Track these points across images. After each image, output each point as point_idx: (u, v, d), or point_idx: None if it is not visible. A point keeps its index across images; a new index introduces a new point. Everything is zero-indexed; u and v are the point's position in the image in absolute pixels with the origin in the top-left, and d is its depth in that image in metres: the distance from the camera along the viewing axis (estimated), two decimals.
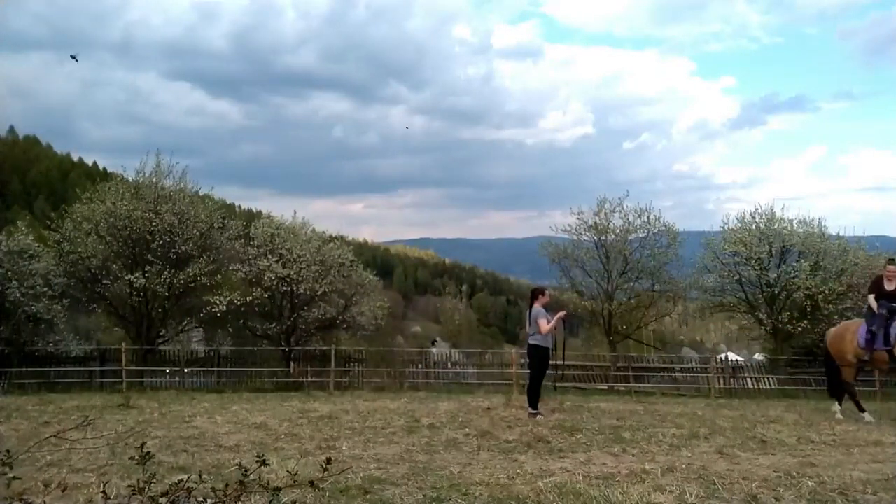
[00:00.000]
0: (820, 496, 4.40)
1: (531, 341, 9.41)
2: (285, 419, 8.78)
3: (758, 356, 24.09)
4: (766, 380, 17.54)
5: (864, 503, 4.32)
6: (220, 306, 16.86)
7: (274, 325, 18.20)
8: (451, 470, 5.28)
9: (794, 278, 17.56)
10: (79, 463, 5.49)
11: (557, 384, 9.52)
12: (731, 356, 21.82)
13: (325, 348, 17.18)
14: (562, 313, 9.71)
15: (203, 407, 10.44)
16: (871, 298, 9.23)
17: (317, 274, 17.79)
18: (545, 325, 9.20)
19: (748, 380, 17.55)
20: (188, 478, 2.79)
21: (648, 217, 20.22)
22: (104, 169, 65.85)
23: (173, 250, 17.50)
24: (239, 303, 17.06)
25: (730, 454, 6.30)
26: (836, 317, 17.44)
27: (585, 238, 20.70)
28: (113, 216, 17.32)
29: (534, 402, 9.18)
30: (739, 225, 19.26)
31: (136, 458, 2.72)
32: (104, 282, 17.37)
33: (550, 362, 9.70)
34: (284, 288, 17.80)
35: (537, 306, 9.44)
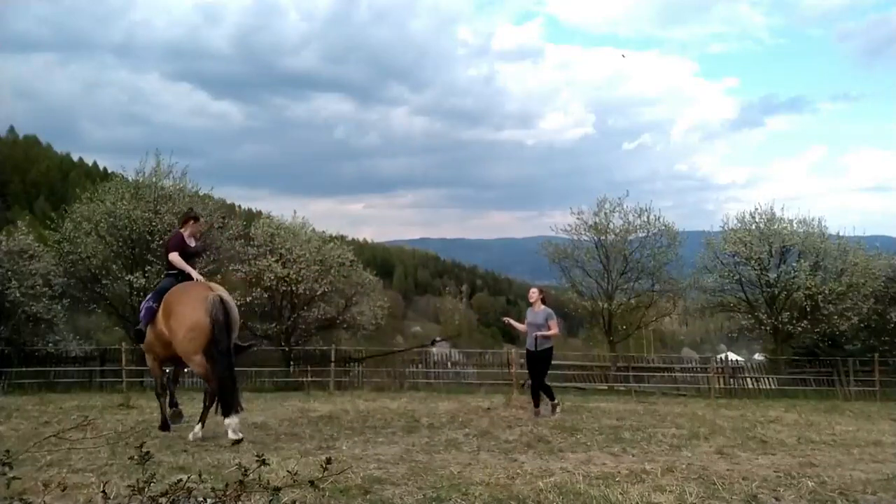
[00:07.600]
0: (820, 496, 4.40)
1: None
2: (285, 419, 8.78)
3: (758, 356, 24.08)
4: (766, 380, 17.55)
5: (864, 503, 4.32)
6: None
7: (274, 325, 18.18)
8: (451, 470, 5.27)
9: (794, 278, 17.57)
10: (79, 463, 5.48)
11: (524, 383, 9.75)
12: (731, 356, 21.79)
13: (325, 348, 17.18)
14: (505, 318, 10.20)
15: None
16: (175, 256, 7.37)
17: (317, 274, 17.79)
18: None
19: (748, 380, 17.55)
20: (188, 478, 2.79)
21: (648, 217, 20.25)
22: (104, 169, 65.87)
23: None
24: (239, 303, 17.04)
25: (730, 454, 6.30)
26: (835, 317, 17.46)
27: (585, 238, 20.73)
28: (113, 216, 17.33)
29: (534, 400, 9.42)
30: (739, 225, 19.28)
31: (136, 458, 2.72)
32: (104, 282, 17.37)
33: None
34: (284, 288, 17.79)
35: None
